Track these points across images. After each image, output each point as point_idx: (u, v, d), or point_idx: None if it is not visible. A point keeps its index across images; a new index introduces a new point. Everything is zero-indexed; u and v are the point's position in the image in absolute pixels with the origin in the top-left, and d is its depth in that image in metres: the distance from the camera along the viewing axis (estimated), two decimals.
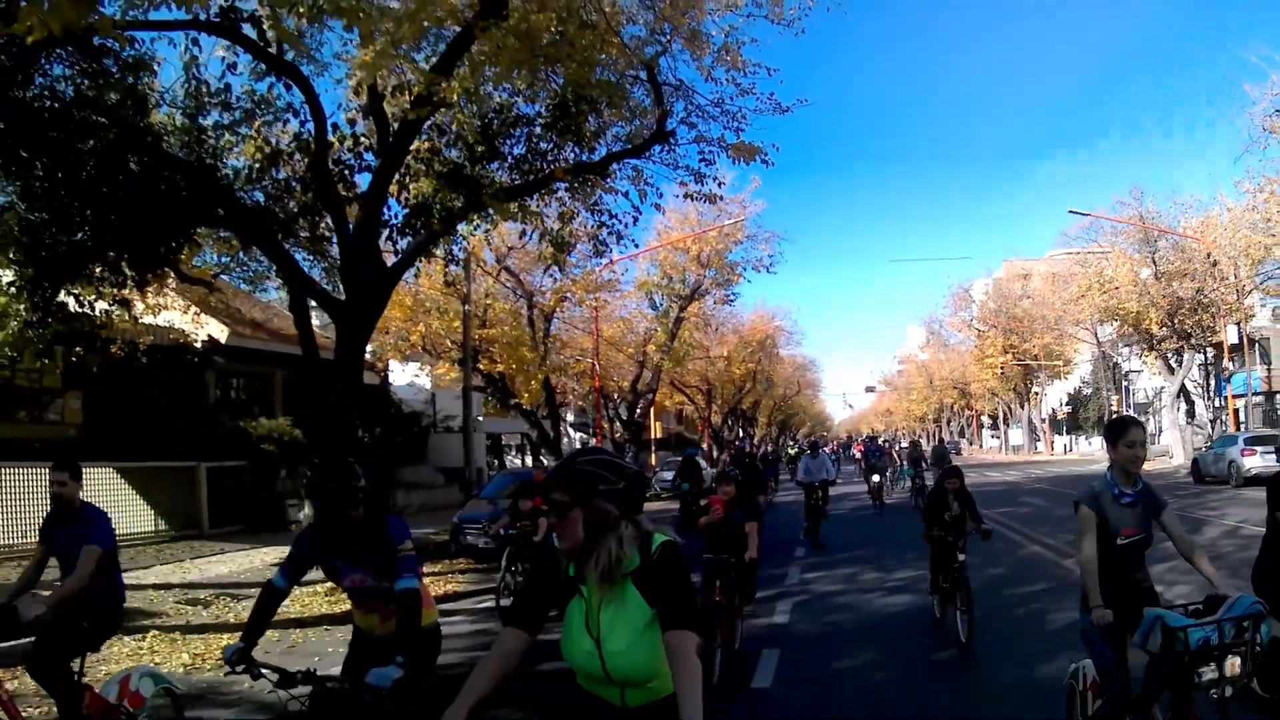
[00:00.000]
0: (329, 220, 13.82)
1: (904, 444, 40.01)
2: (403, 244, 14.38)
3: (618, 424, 37.64)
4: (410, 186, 13.93)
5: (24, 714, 5.44)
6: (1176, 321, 38.46)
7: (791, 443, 77.48)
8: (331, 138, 12.39)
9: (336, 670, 4.37)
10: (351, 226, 13.02)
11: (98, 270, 13.17)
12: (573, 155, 14.37)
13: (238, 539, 17.21)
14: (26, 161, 11.77)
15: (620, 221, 14.98)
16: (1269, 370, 45.10)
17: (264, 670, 3.92)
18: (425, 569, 14.81)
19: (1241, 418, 38.25)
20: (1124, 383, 58.90)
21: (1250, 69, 40.34)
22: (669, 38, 12.58)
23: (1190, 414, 44.67)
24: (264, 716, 6.70)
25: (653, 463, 43.17)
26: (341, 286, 14.52)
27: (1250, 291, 36.64)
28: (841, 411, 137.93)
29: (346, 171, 13.40)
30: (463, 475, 24.10)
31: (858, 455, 40.45)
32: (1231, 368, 38.77)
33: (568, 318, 33.38)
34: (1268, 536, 4.92)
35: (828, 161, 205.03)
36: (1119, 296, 39.48)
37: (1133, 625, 4.15)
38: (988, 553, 12.62)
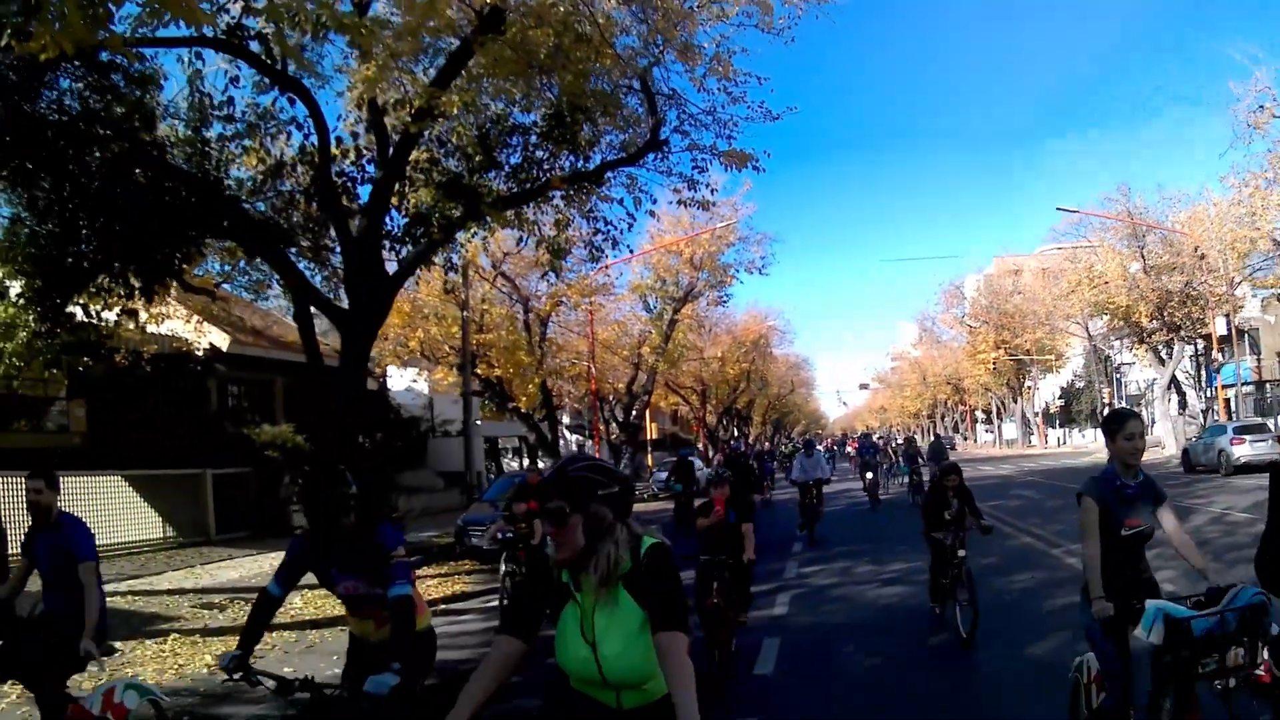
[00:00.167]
0: (331, 230, 14.09)
1: (899, 440, 40.23)
2: (403, 252, 14.68)
3: (614, 425, 37.94)
4: (410, 196, 14.22)
5: None
6: (1166, 314, 38.85)
7: (786, 441, 77.90)
8: (335, 150, 12.66)
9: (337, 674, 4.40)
10: (354, 232, 13.32)
11: (105, 281, 13.41)
12: (568, 164, 14.67)
13: (244, 544, 17.47)
14: (33, 174, 12.00)
15: (615, 228, 15.33)
16: (1259, 360, 45.58)
17: (261, 678, 3.93)
18: (432, 571, 15.14)
19: (1232, 407, 38.73)
20: (1116, 375, 59.39)
21: (1236, 67, 40.75)
22: (661, 49, 12.87)
23: (1182, 405, 45.08)
24: None
25: (649, 463, 43.47)
26: (341, 293, 14.84)
27: (1239, 283, 37.05)
28: (836, 409, 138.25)
29: (350, 183, 13.67)
30: (463, 479, 24.38)
31: (852, 452, 40.71)
32: (1221, 359, 39.19)
33: (563, 321, 33.74)
34: (1271, 525, 4.71)
35: (819, 159, 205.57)
36: (1109, 291, 39.87)
37: (1135, 617, 4.14)
38: (978, 543, 12.87)
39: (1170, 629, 3.89)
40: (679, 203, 15.08)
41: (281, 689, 3.87)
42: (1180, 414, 43.77)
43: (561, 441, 38.15)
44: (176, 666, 8.63)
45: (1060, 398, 72.28)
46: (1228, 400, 39.81)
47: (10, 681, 6.68)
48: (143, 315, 15.16)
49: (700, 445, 51.18)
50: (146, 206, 12.38)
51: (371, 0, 11.85)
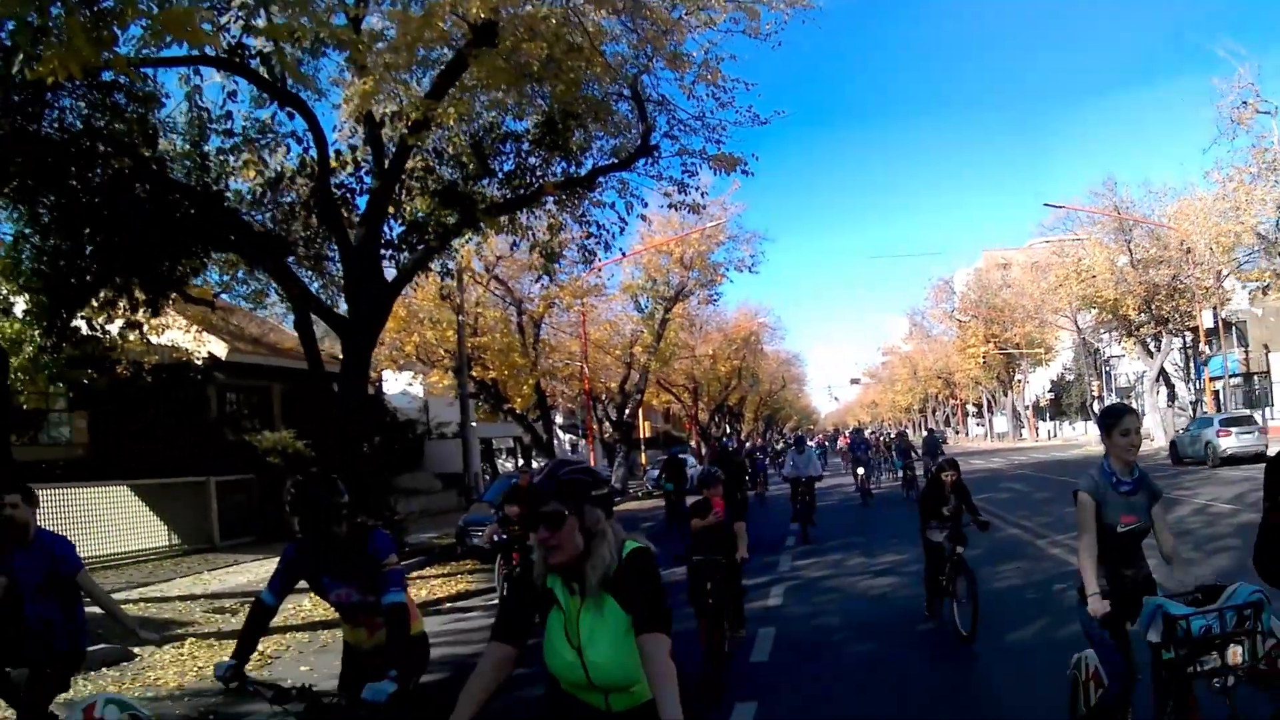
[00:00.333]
0: (331, 240, 14.36)
1: (890, 434, 40.50)
2: (401, 260, 14.95)
3: (607, 425, 38.19)
4: (406, 205, 14.50)
5: None
6: (1154, 307, 39.24)
7: (779, 437, 78.26)
8: (334, 163, 12.92)
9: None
10: (353, 242, 13.58)
11: (109, 295, 13.64)
12: (560, 169, 14.98)
13: (249, 550, 17.67)
14: (37, 191, 12.21)
15: (607, 231, 15.65)
16: (1246, 352, 46.06)
17: (258, 687, 3.91)
18: (436, 571, 15.42)
19: (1221, 399, 39.15)
20: (1105, 368, 59.80)
21: (1219, 63, 41.16)
22: (651, 57, 13.15)
23: (1171, 397, 45.49)
24: None
25: (643, 461, 43.77)
26: (340, 300, 15.11)
27: (1227, 276, 37.47)
28: (827, 404, 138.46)
29: (348, 194, 13.93)
30: (459, 480, 24.63)
31: (844, 447, 40.95)
32: (1209, 351, 39.61)
33: (556, 322, 34.04)
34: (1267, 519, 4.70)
35: (806, 156, 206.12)
36: (1096, 285, 40.26)
37: (1132, 614, 4.15)
38: (969, 536, 13.18)
39: (1168, 626, 3.89)
40: (670, 206, 15.39)
41: (278, 698, 3.84)
42: (1170, 406, 44.18)
43: (556, 441, 38.34)
44: (196, 669, 8.91)
45: (1050, 391, 72.77)
46: (1216, 392, 40.25)
47: None
48: (145, 327, 15.43)
49: (693, 442, 51.49)
50: (149, 220, 12.61)
51: (366, 14, 12.10)
